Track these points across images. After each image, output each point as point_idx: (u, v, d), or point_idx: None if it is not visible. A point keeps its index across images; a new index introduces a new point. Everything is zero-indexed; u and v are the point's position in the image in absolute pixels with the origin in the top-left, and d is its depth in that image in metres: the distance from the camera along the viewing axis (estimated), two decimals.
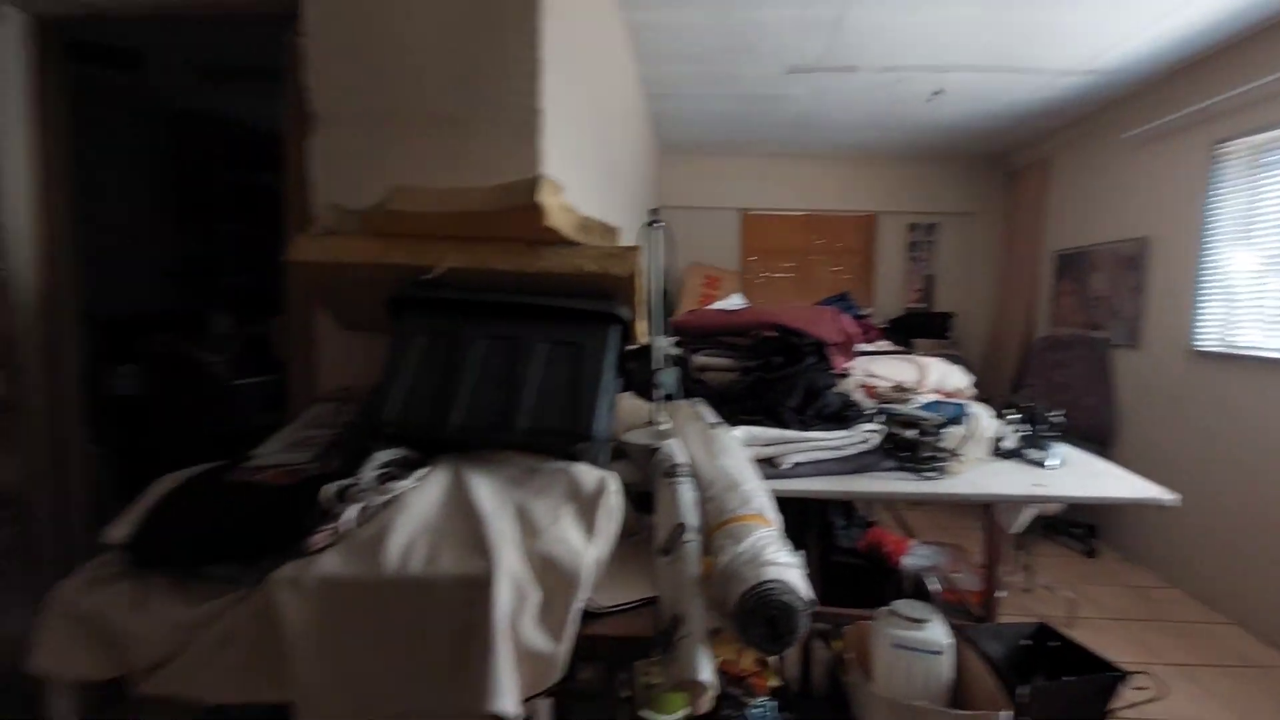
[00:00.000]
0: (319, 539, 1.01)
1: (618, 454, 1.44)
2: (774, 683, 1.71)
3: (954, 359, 2.46)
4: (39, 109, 1.77)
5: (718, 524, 1.16)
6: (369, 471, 1.12)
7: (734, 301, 2.73)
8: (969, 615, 2.37)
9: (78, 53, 1.88)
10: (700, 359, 1.99)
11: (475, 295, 1.28)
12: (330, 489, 1.07)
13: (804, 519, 2.59)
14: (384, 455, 1.16)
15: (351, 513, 1.05)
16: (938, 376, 2.17)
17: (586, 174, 2.18)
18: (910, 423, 1.68)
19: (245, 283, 4.53)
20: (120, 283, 3.51)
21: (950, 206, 5.41)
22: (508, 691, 0.91)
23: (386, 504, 1.08)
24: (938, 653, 1.51)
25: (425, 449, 1.24)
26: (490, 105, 1.59)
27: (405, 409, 1.19)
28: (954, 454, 1.66)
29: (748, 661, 1.74)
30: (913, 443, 1.63)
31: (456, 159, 1.60)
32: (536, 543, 1.05)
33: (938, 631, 1.53)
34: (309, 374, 1.68)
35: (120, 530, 1.11)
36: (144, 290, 3.82)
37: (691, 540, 1.13)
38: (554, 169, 1.64)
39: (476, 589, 0.94)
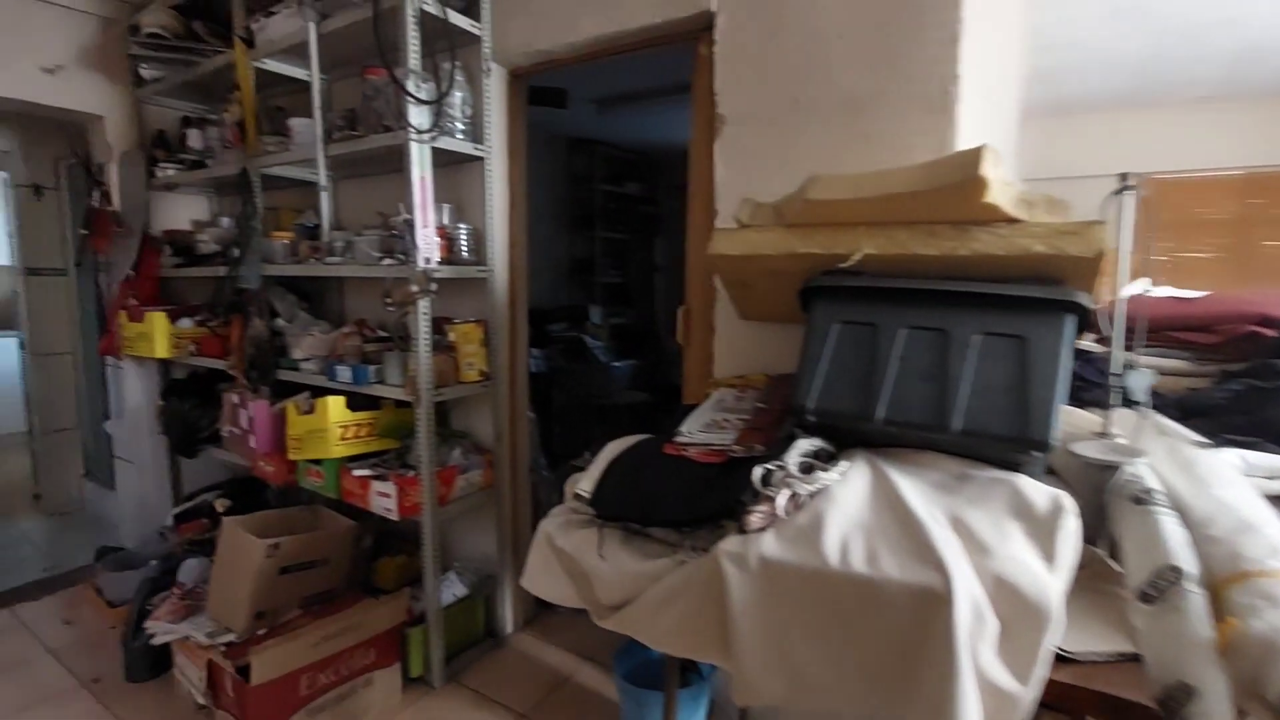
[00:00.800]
0: (756, 519, 1.05)
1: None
2: None
3: None
4: (510, 143, 2.26)
5: (1233, 576, 0.90)
6: (793, 458, 1.14)
7: (1138, 287, 2.16)
8: None
9: (530, 95, 2.32)
10: (1142, 359, 1.61)
11: (894, 283, 1.21)
12: (758, 472, 1.12)
13: None
14: (805, 444, 1.17)
15: (783, 498, 1.07)
16: None
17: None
18: None
19: (613, 280, 5.24)
20: (534, 281, 4.35)
21: None
22: None
23: (813, 494, 1.08)
24: None
25: (840, 441, 1.22)
26: (900, 80, 1.49)
27: (825, 399, 1.18)
28: None
29: None
30: None
31: (861, 142, 1.54)
32: (986, 561, 0.93)
33: None
34: (705, 360, 1.82)
35: (584, 484, 1.32)
36: (547, 287, 4.66)
37: (1193, 591, 0.89)
38: (967, 143, 1.47)
39: (930, 602, 0.87)
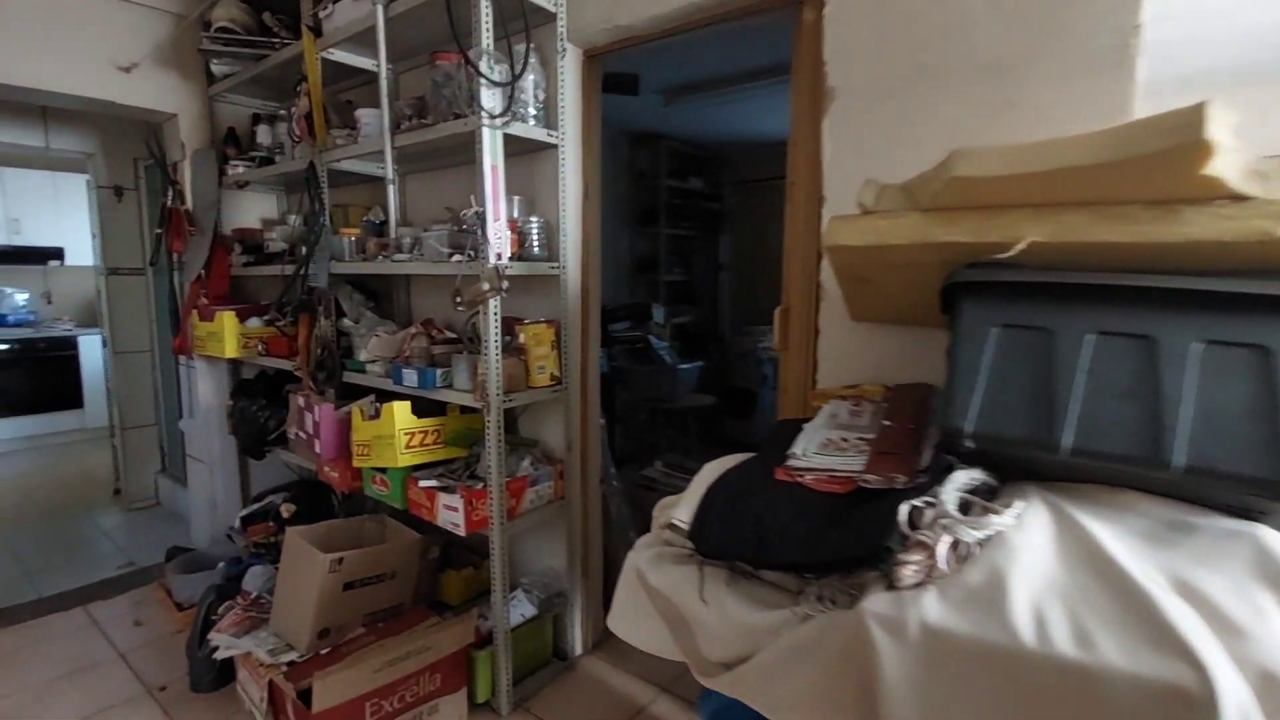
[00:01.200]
0: (910, 572, 0.85)
1: None
2: None
3: None
4: (584, 129, 2.10)
5: None
6: (949, 494, 0.92)
7: None
8: None
9: (602, 83, 2.15)
10: None
11: (1080, 278, 0.97)
12: (904, 510, 0.91)
13: None
14: (964, 476, 0.95)
15: (944, 546, 0.86)
16: None
17: None
18: None
19: (676, 278, 5.05)
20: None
21: None
22: None
23: (982, 542, 0.87)
24: None
25: (999, 471, 1.00)
26: (1056, 37, 1.25)
27: (988, 421, 0.96)
28: None
29: None
30: None
31: (1005, 112, 1.30)
32: (1241, 646, 0.70)
33: None
34: (807, 367, 1.61)
35: (681, 513, 1.13)
36: (609, 284, 4.50)
37: None
38: (1151, 109, 1.22)
39: (1179, 705, 0.65)
